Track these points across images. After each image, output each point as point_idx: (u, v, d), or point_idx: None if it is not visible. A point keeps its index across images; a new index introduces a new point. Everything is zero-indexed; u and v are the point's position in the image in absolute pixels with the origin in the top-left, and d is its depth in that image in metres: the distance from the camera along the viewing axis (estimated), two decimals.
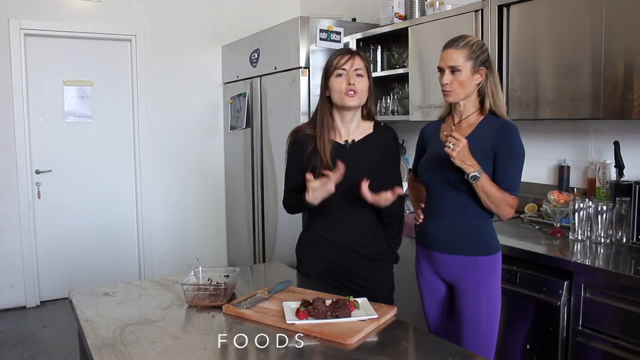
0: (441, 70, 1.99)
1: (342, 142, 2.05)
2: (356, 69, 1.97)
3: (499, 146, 1.93)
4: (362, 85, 1.99)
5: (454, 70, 1.94)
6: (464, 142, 1.81)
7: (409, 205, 3.58)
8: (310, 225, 2.14)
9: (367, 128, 2.08)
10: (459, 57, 1.93)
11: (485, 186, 1.87)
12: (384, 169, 2.03)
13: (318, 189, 1.88)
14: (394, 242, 2.12)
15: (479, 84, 1.97)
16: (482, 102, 2.01)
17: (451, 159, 1.82)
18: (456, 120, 2.05)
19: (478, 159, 1.90)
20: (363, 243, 2.04)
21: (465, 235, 1.98)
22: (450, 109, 2.09)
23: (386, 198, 1.88)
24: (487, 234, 2.01)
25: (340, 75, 1.97)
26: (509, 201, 1.92)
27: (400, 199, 2.09)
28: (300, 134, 2.10)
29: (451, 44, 1.97)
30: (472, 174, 1.84)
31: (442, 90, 2.00)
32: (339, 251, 2.05)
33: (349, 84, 1.96)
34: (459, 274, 2.00)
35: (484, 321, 1.97)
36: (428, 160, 2.06)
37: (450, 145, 1.80)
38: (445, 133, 1.86)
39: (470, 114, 2.02)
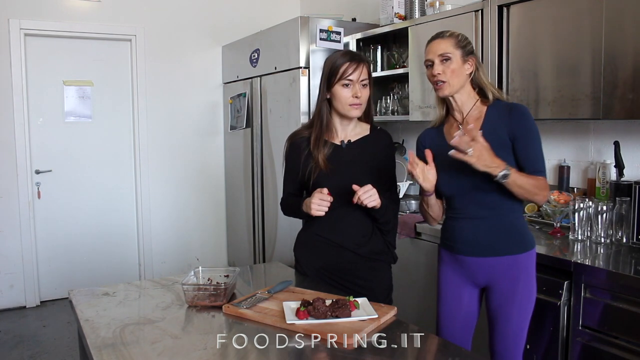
0: (429, 62, 1.91)
1: (338, 143, 2.05)
2: (362, 80, 1.96)
3: (516, 131, 1.84)
4: (366, 95, 1.99)
5: (444, 59, 1.86)
6: (481, 143, 1.68)
7: (409, 206, 3.59)
8: (307, 224, 2.15)
9: (364, 130, 2.09)
10: (447, 46, 1.87)
11: (517, 180, 1.76)
12: (379, 170, 2.03)
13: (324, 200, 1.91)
14: (391, 244, 2.12)
15: (470, 74, 1.91)
16: (480, 94, 1.94)
17: (473, 166, 1.70)
18: (459, 117, 1.96)
19: (496, 149, 1.79)
20: (360, 242, 2.04)
21: (501, 235, 1.90)
22: (447, 112, 2.01)
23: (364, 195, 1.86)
24: (522, 229, 1.93)
25: (346, 85, 1.95)
26: (542, 184, 1.82)
27: (395, 205, 2.10)
28: (296, 138, 2.11)
29: (436, 36, 1.92)
30: (501, 174, 1.72)
31: (435, 83, 1.90)
32: (336, 250, 2.05)
33: (355, 97, 1.95)
34: (498, 276, 1.91)
35: (515, 321, 1.91)
36: (446, 170, 1.91)
37: (470, 152, 1.67)
38: (455, 135, 1.69)
39: (471, 108, 1.93)
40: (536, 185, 1.80)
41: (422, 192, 1.96)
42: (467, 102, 1.94)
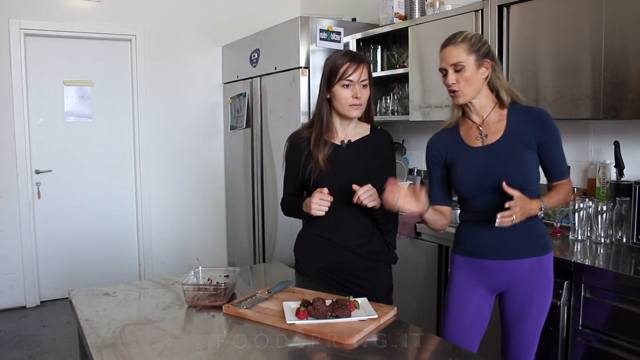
0: (444, 71, 1.88)
1: (339, 143, 2.05)
2: (362, 80, 1.96)
3: (543, 138, 1.85)
4: (366, 95, 1.99)
5: (457, 68, 1.83)
6: (517, 199, 1.72)
7: None
8: (307, 224, 2.15)
9: (364, 130, 2.08)
10: (459, 53, 1.82)
11: (552, 204, 1.87)
12: (379, 171, 2.03)
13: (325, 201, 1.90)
14: (391, 244, 2.12)
15: (486, 77, 1.86)
16: (498, 97, 1.90)
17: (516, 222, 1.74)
18: (477, 120, 1.92)
19: (521, 148, 1.84)
20: (360, 243, 2.04)
21: (525, 237, 1.88)
22: (462, 112, 1.96)
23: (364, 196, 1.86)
24: (543, 231, 1.93)
25: (346, 86, 1.95)
26: (568, 188, 1.92)
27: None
28: (297, 138, 2.11)
29: (449, 41, 1.87)
30: (542, 212, 1.83)
31: (449, 92, 1.88)
32: (336, 250, 2.05)
33: (355, 97, 1.95)
34: (519, 279, 1.88)
35: (532, 324, 1.89)
36: (468, 173, 1.91)
37: (514, 219, 1.71)
38: (499, 217, 1.71)
39: (491, 111, 1.90)
40: (566, 196, 1.91)
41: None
42: (485, 106, 1.91)
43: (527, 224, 1.85)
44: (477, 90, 1.87)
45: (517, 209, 1.72)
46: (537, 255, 1.89)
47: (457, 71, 1.84)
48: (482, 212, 1.90)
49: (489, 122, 1.91)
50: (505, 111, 1.90)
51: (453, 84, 1.85)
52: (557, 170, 1.91)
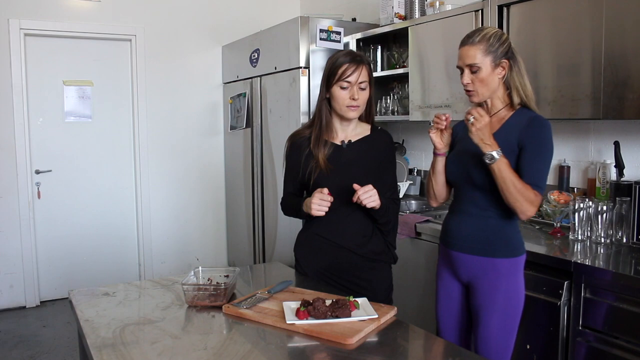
0: (460, 69, 1.90)
1: (339, 143, 2.05)
2: (361, 82, 1.95)
3: (525, 140, 1.81)
4: (364, 97, 1.99)
5: (473, 69, 1.84)
6: (487, 119, 1.73)
7: (409, 206, 3.59)
8: (307, 224, 2.15)
9: (365, 130, 2.09)
10: (476, 54, 1.83)
11: (503, 171, 1.74)
12: (379, 171, 2.03)
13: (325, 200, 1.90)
14: (391, 244, 2.12)
15: (503, 77, 1.86)
16: (510, 96, 1.90)
17: (469, 135, 1.76)
18: None
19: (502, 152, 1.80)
20: (360, 243, 2.04)
21: (485, 235, 1.89)
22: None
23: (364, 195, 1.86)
24: (508, 235, 1.90)
25: (344, 88, 1.95)
26: (529, 196, 1.76)
27: (395, 205, 2.09)
28: (297, 138, 2.10)
29: (467, 40, 1.87)
30: (489, 153, 1.73)
31: (465, 91, 1.91)
32: (336, 250, 2.05)
33: (352, 99, 1.95)
34: (477, 276, 1.91)
35: (496, 326, 1.89)
36: (453, 156, 1.98)
37: (471, 119, 1.73)
38: (468, 109, 1.76)
39: (499, 110, 1.91)
40: (521, 191, 1.75)
41: (434, 151, 2.00)
42: (496, 105, 1.92)
43: (492, 224, 1.89)
44: (492, 90, 1.89)
45: (483, 123, 1.74)
46: (493, 257, 1.88)
47: (472, 72, 1.85)
48: (456, 201, 2.01)
49: (492, 119, 1.91)
50: (511, 113, 1.90)
51: (468, 83, 1.87)
52: (528, 179, 1.78)
